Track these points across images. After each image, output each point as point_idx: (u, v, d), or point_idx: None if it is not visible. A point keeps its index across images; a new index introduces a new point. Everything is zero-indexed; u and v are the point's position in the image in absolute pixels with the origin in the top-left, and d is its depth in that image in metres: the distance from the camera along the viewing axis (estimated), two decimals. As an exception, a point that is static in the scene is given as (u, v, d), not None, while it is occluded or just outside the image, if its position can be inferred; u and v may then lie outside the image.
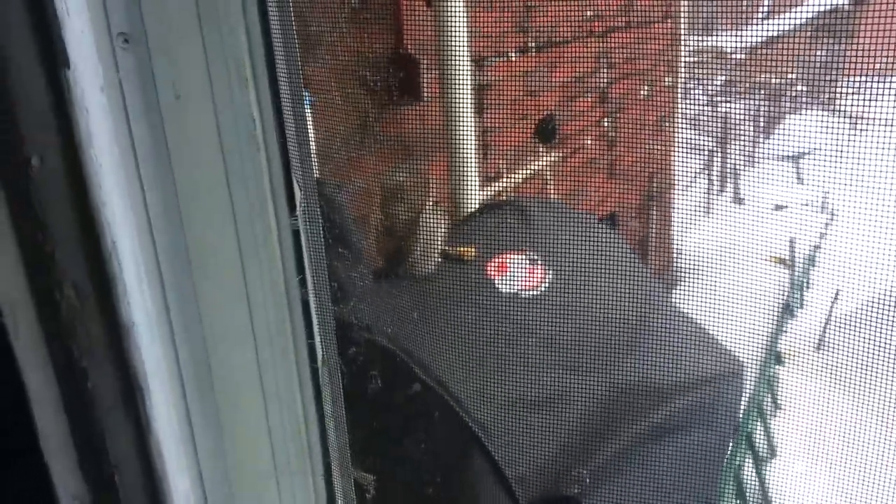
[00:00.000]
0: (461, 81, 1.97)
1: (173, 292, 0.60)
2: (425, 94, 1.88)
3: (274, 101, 0.60)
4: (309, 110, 1.55)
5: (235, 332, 0.63)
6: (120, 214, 0.55)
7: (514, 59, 2.45)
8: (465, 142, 2.05)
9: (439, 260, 1.80)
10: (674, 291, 3.28)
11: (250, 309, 0.63)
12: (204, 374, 0.63)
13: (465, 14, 1.85)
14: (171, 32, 0.60)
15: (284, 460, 0.67)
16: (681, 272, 3.49)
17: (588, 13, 2.81)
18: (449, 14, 1.82)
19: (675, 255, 3.59)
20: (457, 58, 1.90)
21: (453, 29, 1.84)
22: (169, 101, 0.61)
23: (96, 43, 0.55)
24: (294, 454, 0.67)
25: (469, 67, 2.02)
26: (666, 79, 3.22)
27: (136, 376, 0.56)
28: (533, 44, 2.51)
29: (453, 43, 1.87)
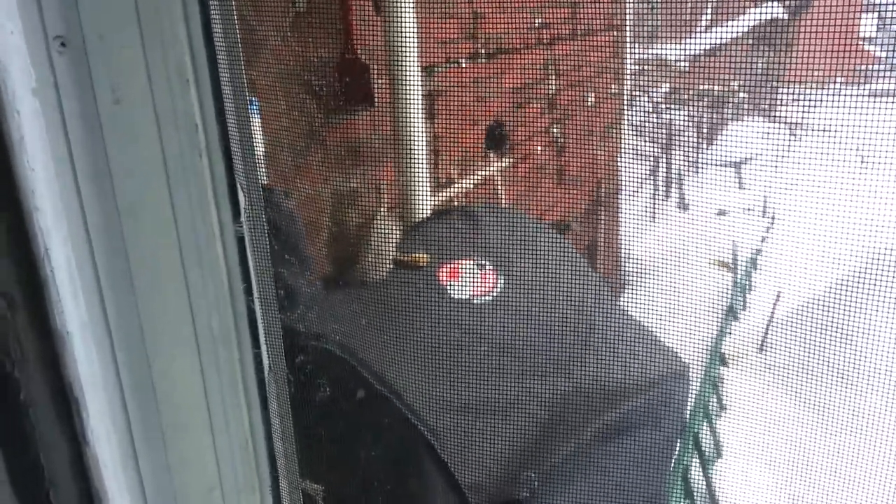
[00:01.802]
0: (411, 88, 1.97)
1: (112, 301, 0.58)
2: (376, 100, 1.87)
3: (217, 104, 0.59)
4: (257, 116, 1.53)
5: (178, 341, 0.62)
6: (53, 221, 0.53)
7: (463, 66, 2.47)
8: (415, 148, 2.05)
9: (391, 267, 1.79)
10: (622, 295, 3.34)
11: (193, 318, 0.61)
12: (145, 386, 0.61)
13: (415, 21, 1.85)
14: (110, 35, 0.58)
15: (230, 473, 0.66)
16: (628, 276, 3.55)
17: (536, 22, 2.84)
18: (398, 21, 1.82)
19: (622, 260, 3.65)
20: (406, 64, 1.89)
21: (403, 36, 1.84)
22: (108, 105, 0.59)
23: (28, 45, 0.53)
24: (240, 467, 0.66)
25: (419, 74, 2.02)
26: (612, 87, 3.28)
27: (72, 387, 0.54)
28: (483, 51, 2.53)
29: (403, 50, 1.86)
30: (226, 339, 0.63)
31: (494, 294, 1.81)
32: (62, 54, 0.56)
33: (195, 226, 0.60)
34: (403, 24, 1.82)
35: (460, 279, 1.81)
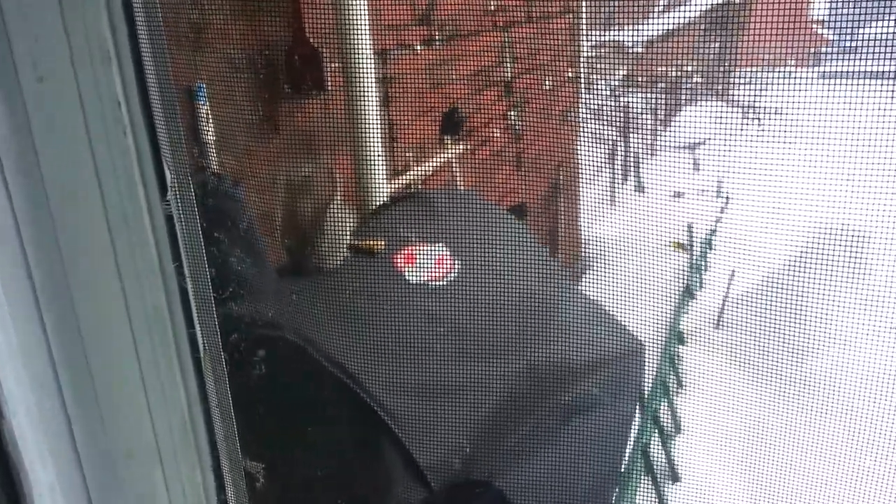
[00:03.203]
0: (364, 74, 1.96)
1: (42, 280, 0.58)
2: (328, 85, 1.86)
3: (139, 81, 0.58)
4: (204, 102, 1.51)
5: (111, 320, 0.61)
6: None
7: (418, 51, 2.46)
8: (370, 135, 2.04)
9: (347, 254, 1.79)
10: (583, 277, 3.38)
11: (126, 296, 0.61)
12: (80, 364, 0.60)
13: (366, 4, 1.83)
14: (31, 13, 0.57)
15: (171, 455, 0.65)
16: (589, 259, 3.59)
17: (491, 6, 2.85)
18: (349, 4, 1.80)
19: (582, 244, 3.69)
20: (359, 50, 1.88)
21: (354, 20, 1.82)
22: (31, 83, 0.58)
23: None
24: (181, 448, 0.66)
25: (372, 59, 2.00)
26: (568, 72, 3.30)
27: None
28: (438, 36, 2.53)
29: (355, 34, 1.85)
30: (159, 318, 0.62)
31: (451, 277, 1.81)
32: (-20, 32, 0.55)
33: (123, 203, 0.59)
34: (355, 7, 1.80)
35: (416, 264, 1.81)
